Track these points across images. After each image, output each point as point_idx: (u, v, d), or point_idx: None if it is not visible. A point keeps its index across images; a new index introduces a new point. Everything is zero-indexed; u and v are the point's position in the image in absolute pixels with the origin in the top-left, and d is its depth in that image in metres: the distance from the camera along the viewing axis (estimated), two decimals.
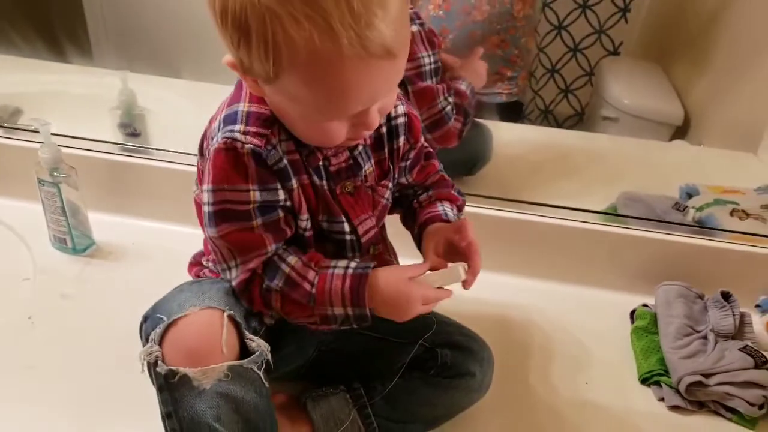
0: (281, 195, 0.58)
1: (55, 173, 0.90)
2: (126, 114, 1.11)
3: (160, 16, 1.60)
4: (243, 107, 0.57)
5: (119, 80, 1.10)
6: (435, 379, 0.70)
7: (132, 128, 1.11)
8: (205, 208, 0.58)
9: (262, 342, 0.59)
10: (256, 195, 0.57)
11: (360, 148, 0.64)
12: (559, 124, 2.30)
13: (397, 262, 0.75)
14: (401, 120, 0.66)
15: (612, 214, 1.08)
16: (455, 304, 0.89)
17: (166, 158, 1.04)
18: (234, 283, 0.60)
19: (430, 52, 0.92)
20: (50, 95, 1.26)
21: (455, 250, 0.64)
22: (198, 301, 0.57)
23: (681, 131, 1.77)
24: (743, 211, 1.08)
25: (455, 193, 0.74)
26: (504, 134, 1.35)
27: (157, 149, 1.07)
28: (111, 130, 1.13)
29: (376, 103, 0.54)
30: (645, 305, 0.92)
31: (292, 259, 0.60)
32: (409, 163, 0.70)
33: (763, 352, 0.81)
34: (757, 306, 0.95)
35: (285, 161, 0.57)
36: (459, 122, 0.98)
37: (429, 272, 0.62)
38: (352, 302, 0.58)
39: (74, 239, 0.95)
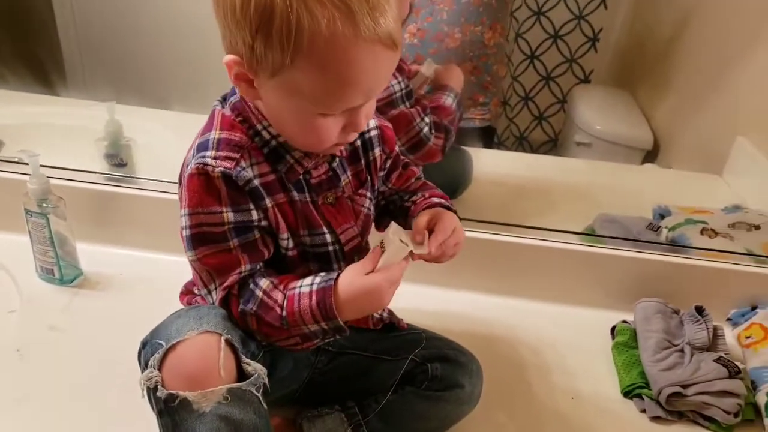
0: (255, 215, 0.61)
1: (43, 204, 0.90)
2: (112, 144, 1.12)
3: (146, 50, 1.63)
4: (214, 135, 0.61)
5: (106, 112, 1.11)
6: (426, 393, 0.72)
7: (118, 158, 1.13)
8: (183, 233, 0.61)
9: (258, 365, 0.60)
10: (229, 216, 0.60)
11: (337, 160, 0.67)
12: (533, 150, 2.36)
13: None
14: (374, 132, 0.70)
15: (590, 234, 1.12)
16: (444, 324, 0.92)
17: (152, 188, 1.05)
18: (216, 305, 0.62)
19: (399, 79, 0.95)
20: (35, 127, 1.27)
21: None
22: (196, 325, 0.59)
23: (651, 155, 1.84)
24: (712, 229, 1.12)
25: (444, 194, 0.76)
26: (483, 160, 1.39)
27: (143, 179, 1.08)
28: (97, 160, 1.14)
29: (371, 99, 0.58)
30: (624, 321, 0.95)
31: (263, 282, 0.62)
32: (385, 172, 0.74)
33: (736, 362, 0.84)
34: (729, 319, 0.99)
35: (256, 182, 0.60)
36: (440, 139, 1.00)
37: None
38: (323, 317, 0.59)
39: (62, 270, 0.96)
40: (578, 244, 1.03)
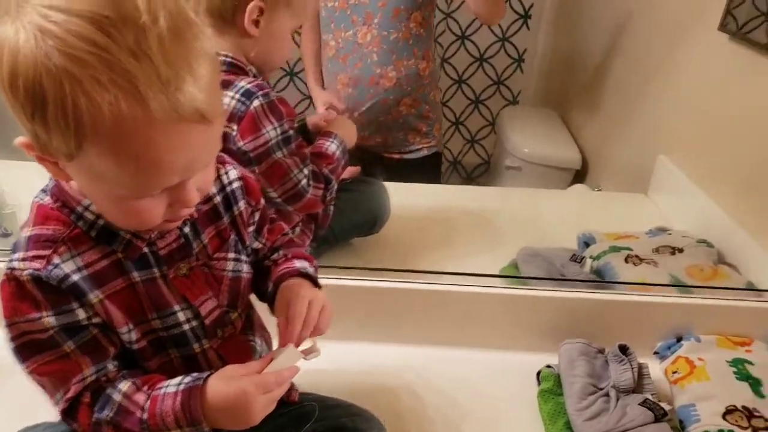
0: (81, 314, 0.54)
1: None
2: None
3: None
4: (26, 233, 0.55)
5: None
6: None
7: (2, 228, 1.04)
8: (9, 346, 0.54)
9: None
10: (50, 321, 0.53)
11: (189, 224, 0.60)
12: (468, 174, 2.36)
13: (269, 342, 0.71)
14: (236, 185, 0.65)
15: (511, 276, 1.09)
16: (355, 381, 0.86)
17: None
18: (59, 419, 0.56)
19: (276, 124, 0.88)
20: None
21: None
22: None
23: (580, 175, 1.84)
24: (637, 256, 1.11)
25: (308, 254, 0.71)
26: (404, 194, 1.35)
27: None
28: None
29: (193, 175, 0.51)
30: (549, 366, 0.91)
31: (124, 385, 0.55)
32: (255, 227, 0.68)
33: (662, 404, 0.81)
34: (656, 353, 0.96)
35: (76, 277, 0.53)
36: (319, 189, 0.95)
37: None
38: (186, 420, 0.53)
39: None
40: (498, 287, 0.99)
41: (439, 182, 1.66)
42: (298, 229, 1.05)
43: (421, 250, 1.21)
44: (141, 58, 0.44)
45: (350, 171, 1.20)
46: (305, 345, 0.60)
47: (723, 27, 1.13)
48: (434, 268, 1.11)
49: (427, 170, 1.57)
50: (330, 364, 0.87)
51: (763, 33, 1.04)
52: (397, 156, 1.53)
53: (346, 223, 1.15)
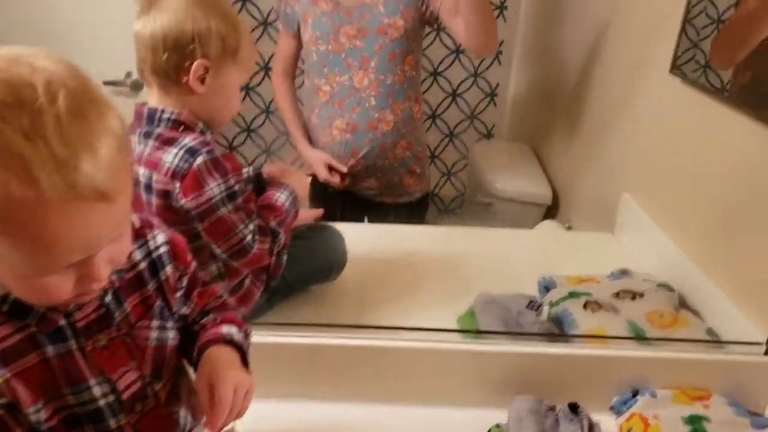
0: None
1: None
2: None
3: None
4: None
5: None
6: None
7: None
8: None
9: None
10: None
11: (110, 293, 0.59)
12: (445, 206, 2.34)
13: (197, 408, 0.68)
14: (163, 249, 0.63)
15: (463, 331, 1.05)
16: None
17: None
18: None
19: (220, 180, 0.87)
20: None
21: None
22: None
23: (552, 210, 1.83)
24: (596, 302, 1.08)
25: (240, 318, 0.69)
26: (369, 236, 1.33)
27: None
28: None
29: (100, 250, 0.50)
30: (498, 425, 0.88)
31: None
32: (183, 291, 0.66)
33: None
34: (612, 408, 0.93)
35: None
36: (265, 243, 0.93)
37: None
38: None
39: None
40: (449, 342, 0.96)
41: (425, 223, 1.65)
42: (248, 281, 1.03)
43: (379, 297, 1.18)
44: (35, 139, 0.44)
45: (312, 214, 1.19)
46: (225, 428, 0.59)
47: (674, 70, 1.12)
48: (392, 317, 1.08)
49: (417, 213, 1.57)
50: (273, 423, 0.84)
51: (713, 76, 1.03)
52: (389, 201, 1.52)
53: (301, 271, 1.13)
